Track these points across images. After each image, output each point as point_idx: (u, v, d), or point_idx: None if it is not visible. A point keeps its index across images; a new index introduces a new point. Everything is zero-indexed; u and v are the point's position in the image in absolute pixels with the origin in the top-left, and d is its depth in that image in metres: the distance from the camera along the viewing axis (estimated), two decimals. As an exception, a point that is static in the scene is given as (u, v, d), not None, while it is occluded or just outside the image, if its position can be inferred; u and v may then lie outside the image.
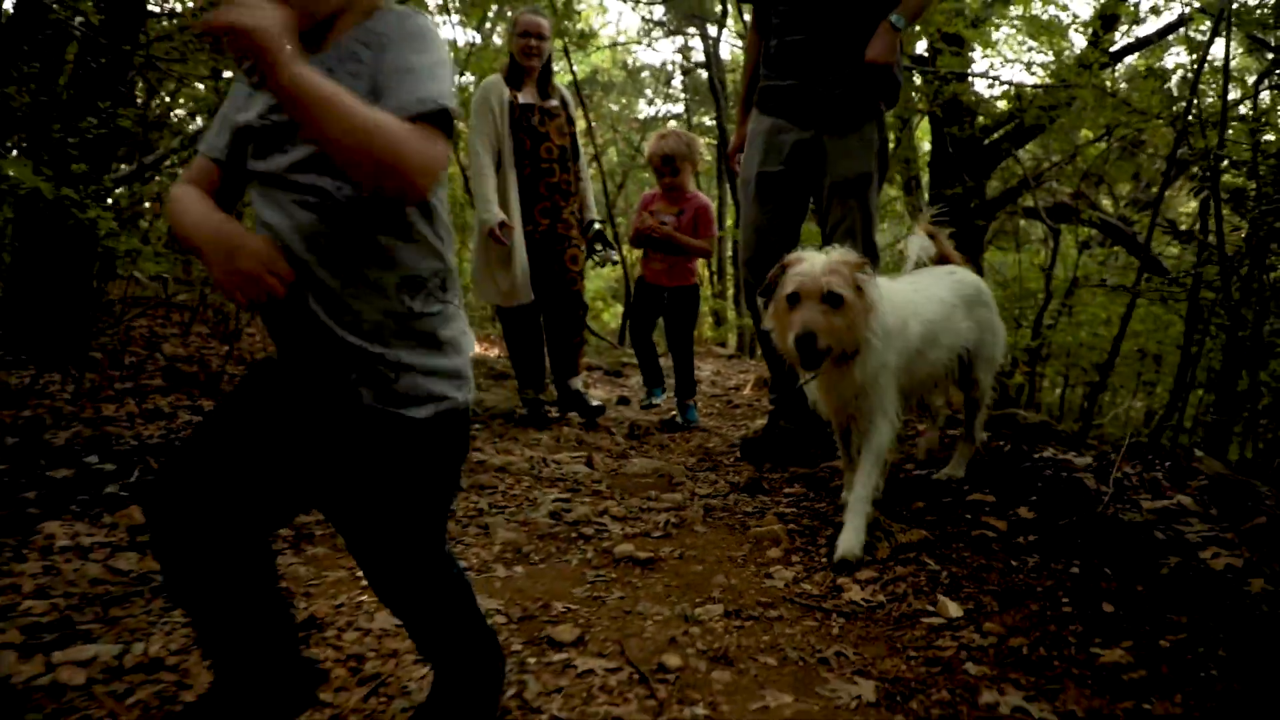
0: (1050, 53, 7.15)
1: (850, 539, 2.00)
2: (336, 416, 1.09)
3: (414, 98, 0.99)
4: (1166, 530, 2.00)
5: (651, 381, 4.36)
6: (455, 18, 9.63)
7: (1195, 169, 4.33)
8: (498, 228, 3.64)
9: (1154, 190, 7.08)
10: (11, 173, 2.57)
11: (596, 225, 4.00)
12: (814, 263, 2.05)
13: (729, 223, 13.65)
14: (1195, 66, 4.30)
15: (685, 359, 4.05)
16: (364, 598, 1.83)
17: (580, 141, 4.08)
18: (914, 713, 1.34)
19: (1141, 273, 4.27)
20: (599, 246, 3.97)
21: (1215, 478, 2.40)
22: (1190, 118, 3.81)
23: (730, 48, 12.66)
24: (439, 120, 1.00)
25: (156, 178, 4.42)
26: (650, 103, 15.04)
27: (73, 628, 1.63)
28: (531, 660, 1.55)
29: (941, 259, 2.78)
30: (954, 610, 1.69)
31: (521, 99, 3.82)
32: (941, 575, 1.89)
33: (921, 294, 2.42)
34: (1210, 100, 4.63)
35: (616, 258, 4.07)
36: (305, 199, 1.04)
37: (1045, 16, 6.13)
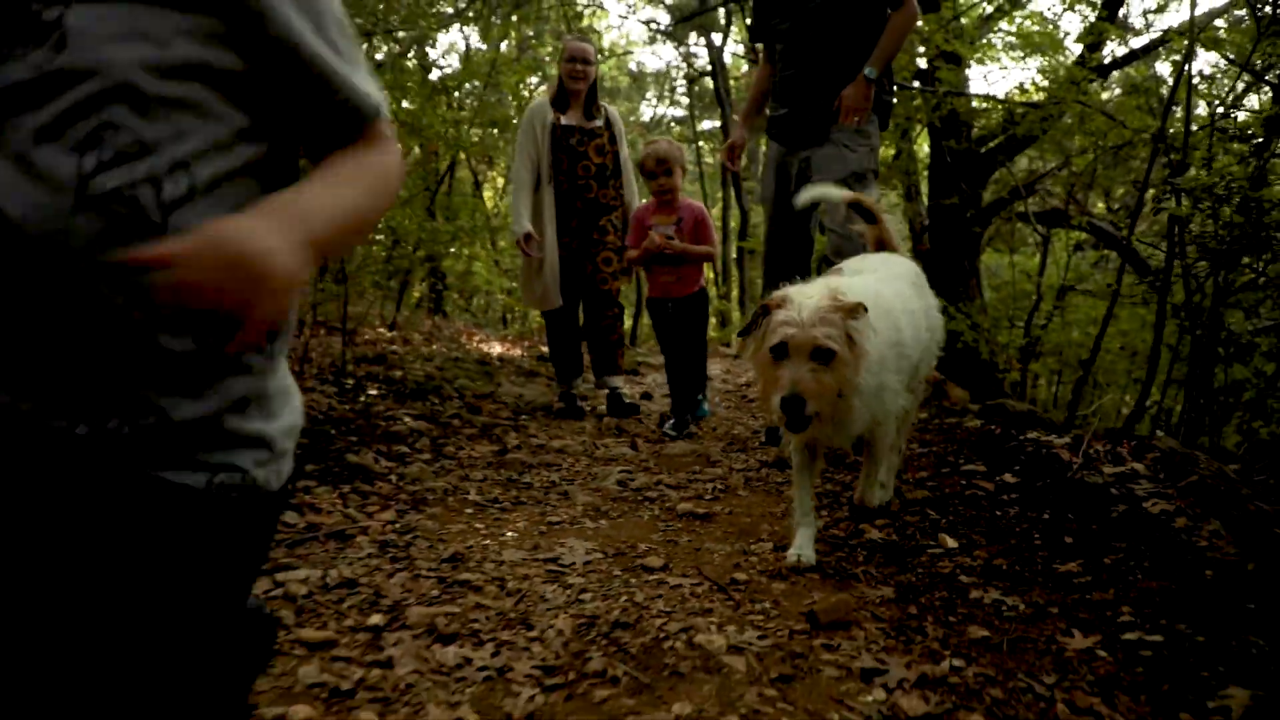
0: (1045, 61, 7.77)
1: (875, 491, 2.36)
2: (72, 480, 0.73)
3: (370, 97, 0.86)
4: (1120, 488, 2.56)
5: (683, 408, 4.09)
6: (473, 30, 10.19)
7: (1154, 191, 4.88)
8: (523, 239, 4.20)
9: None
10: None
11: None
12: (802, 308, 1.93)
13: (733, 224, 14.23)
14: (1170, 90, 4.88)
15: (699, 360, 4.17)
16: (488, 542, 2.38)
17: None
18: (922, 604, 1.90)
19: (1121, 275, 4.83)
20: None
21: (1167, 451, 2.96)
22: (1165, 140, 4.37)
23: (732, 55, 13.23)
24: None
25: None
26: (654, 107, 15.62)
27: (273, 560, 2.17)
28: (632, 580, 2.10)
29: (880, 244, 2.84)
30: (951, 543, 2.25)
31: (565, 120, 4.35)
32: (941, 521, 2.45)
33: (890, 287, 2.36)
34: (1196, 114, 5.21)
35: None
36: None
37: (1037, 38, 6.73)
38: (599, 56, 4.71)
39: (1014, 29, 6.89)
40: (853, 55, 3.29)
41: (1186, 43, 4.70)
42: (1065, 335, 7.28)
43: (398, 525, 2.50)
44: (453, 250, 8.68)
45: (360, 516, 2.55)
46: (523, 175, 4.29)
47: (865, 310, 1.96)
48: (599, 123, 4.39)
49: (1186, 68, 4.03)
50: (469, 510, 2.69)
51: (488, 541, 2.38)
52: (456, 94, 6.96)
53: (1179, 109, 4.86)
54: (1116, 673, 1.54)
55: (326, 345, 5.45)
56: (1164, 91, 7.02)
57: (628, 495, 2.87)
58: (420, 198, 6.90)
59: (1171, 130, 4.59)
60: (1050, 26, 7.44)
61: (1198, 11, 5.01)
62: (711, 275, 14.68)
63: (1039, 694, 1.47)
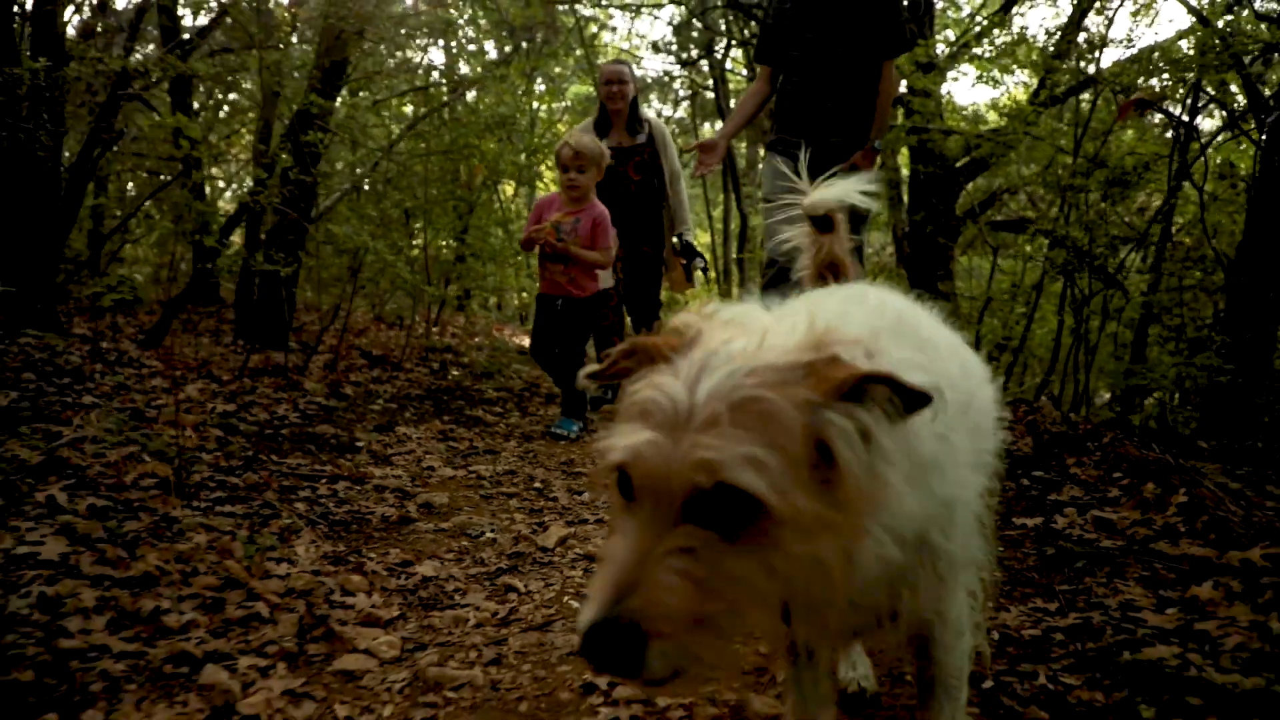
0: (1021, 74, 9.42)
1: None
2: None
3: None
4: (988, 425, 4.20)
5: (568, 408, 4.50)
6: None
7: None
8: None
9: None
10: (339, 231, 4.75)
11: (676, 240, 5.16)
12: (711, 365, 0.84)
13: (733, 227, 15.87)
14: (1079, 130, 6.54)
15: (574, 367, 4.07)
16: (583, 458, 4.01)
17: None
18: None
19: (1044, 275, 6.44)
20: (697, 260, 5.11)
21: (1028, 402, 4.62)
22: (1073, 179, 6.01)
23: (731, 66, 14.88)
24: None
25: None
26: (659, 114, 17.27)
27: (453, 462, 3.78)
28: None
29: (831, 267, 1.83)
30: (870, 452, 3.88)
31: (606, 143, 4.66)
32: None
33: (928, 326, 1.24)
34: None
35: (703, 264, 5.03)
36: None
37: (996, 75, 8.41)
38: (634, 77, 5.16)
39: (972, 66, 8.53)
40: (857, 95, 3.98)
41: (1090, 98, 6.34)
42: (1030, 332, 8.95)
43: (521, 449, 4.13)
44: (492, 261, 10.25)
45: (495, 445, 4.18)
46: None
47: (925, 397, 0.84)
48: (641, 139, 4.98)
49: (1092, 102, 5.65)
50: (563, 442, 4.33)
51: (583, 458, 4.01)
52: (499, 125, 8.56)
53: (1076, 158, 6.50)
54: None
55: (397, 338, 7.07)
56: (1095, 124, 8.72)
57: (665, 434, 4.50)
58: (456, 219, 8.51)
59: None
60: (1011, 59, 9.11)
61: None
62: (713, 274, 16.32)
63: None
